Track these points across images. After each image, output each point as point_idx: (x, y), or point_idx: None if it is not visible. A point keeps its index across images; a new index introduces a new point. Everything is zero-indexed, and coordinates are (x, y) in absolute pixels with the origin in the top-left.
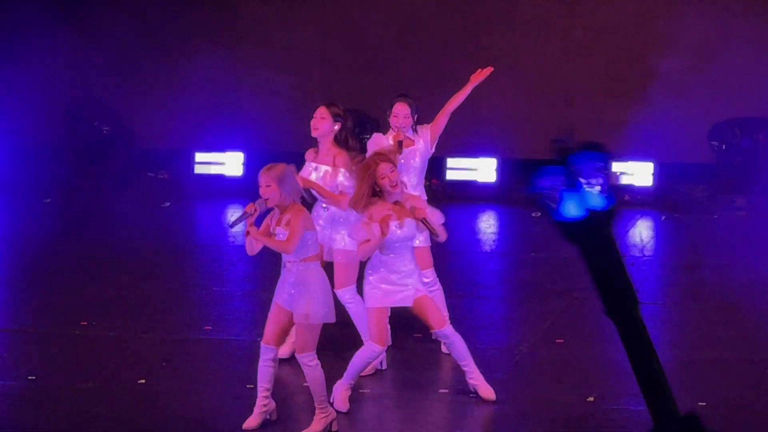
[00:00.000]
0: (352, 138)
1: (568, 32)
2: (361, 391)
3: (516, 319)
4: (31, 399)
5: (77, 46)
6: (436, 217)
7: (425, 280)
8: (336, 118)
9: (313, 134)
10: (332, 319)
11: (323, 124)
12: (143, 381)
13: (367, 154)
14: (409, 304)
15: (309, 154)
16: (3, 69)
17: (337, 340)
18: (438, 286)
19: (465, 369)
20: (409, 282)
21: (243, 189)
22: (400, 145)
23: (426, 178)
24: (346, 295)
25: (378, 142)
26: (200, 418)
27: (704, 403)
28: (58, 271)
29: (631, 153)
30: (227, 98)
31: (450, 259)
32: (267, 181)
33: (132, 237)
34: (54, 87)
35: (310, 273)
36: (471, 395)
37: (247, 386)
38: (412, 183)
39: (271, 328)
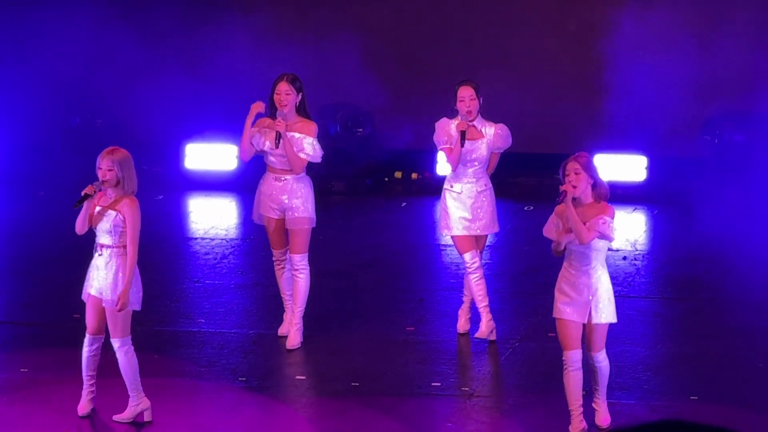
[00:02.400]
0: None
1: (561, 26)
2: (353, 384)
3: (508, 313)
4: (23, 391)
5: (69, 39)
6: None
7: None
8: (298, 89)
9: (284, 110)
10: (138, 307)
11: (290, 99)
12: None
13: (434, 137)
14: (575, 319)
15: (265, 121)
16: None
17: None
18: (480, 273)
19: (600, 390)
20: (582, 298)
21: (236, 182)
22: (462, 135)
23: (418, 171)
24: (302, 261)
25: (443, 127)
26: (192, 411)
27: (696, 397)
28: (51, 264)
29: (624, 147)
30: (222, 91)
31: (443, 252)
32: (109, 164)
33: None
34: (47, 79)
35: (124, 260)
36: (463, 389)
37: (240, 379)
38: (475, 173)
39: (94, 319)
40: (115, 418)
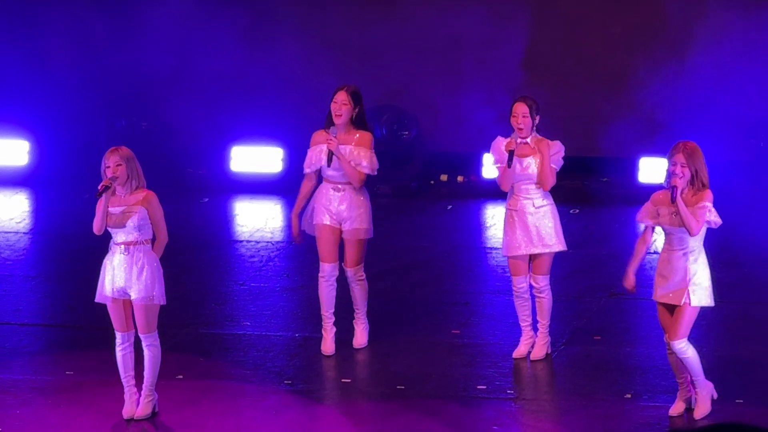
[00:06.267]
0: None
1: (606, 28)
2: (398, 387)
3: (554, 316)
4: (68, 394)
5: (115, 41)
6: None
7: (536, 285)
8: (356, 102)
9: (338, 121)
10: (164, 301)
11: (346, 109)
12: (181, 377)
13: (491, 152)
14: (672, 302)
15: (320, 135)
16: (41, 62)
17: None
18: (546, 294)
19: (696, 380)
20: (678, 278)
21: (281, 185)
22: (510, 155)
23: (464, 174)
24: (359, 272)
25: (497, 146)
26: (237, 414)
27: (741, 400)
28: (96, 267)
29: (669, 149)
30: (266, 93)
31: (489, 255)
32: (117, 160)
33: (170, 232)
34: (93, 81)
35: (149, 255)
36: (508, 392)
37: (285, 381)
38: (530, 190)
39: (121, 318)
40: (137, 416)
